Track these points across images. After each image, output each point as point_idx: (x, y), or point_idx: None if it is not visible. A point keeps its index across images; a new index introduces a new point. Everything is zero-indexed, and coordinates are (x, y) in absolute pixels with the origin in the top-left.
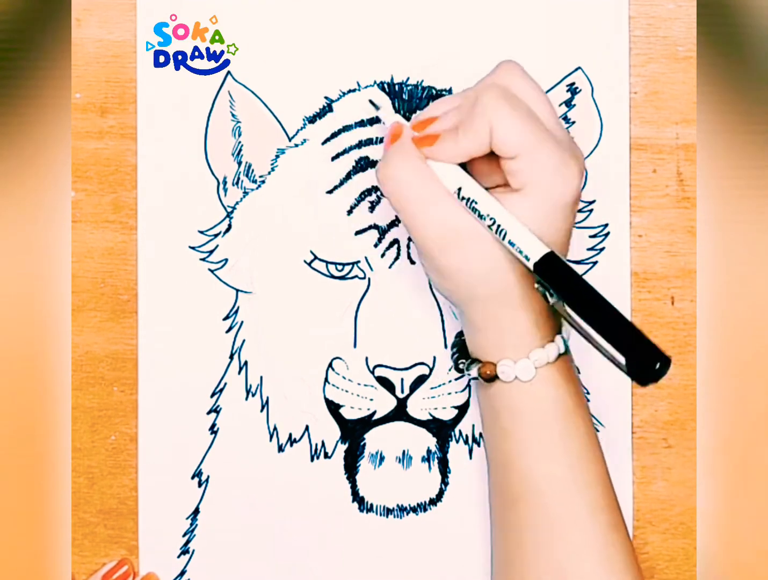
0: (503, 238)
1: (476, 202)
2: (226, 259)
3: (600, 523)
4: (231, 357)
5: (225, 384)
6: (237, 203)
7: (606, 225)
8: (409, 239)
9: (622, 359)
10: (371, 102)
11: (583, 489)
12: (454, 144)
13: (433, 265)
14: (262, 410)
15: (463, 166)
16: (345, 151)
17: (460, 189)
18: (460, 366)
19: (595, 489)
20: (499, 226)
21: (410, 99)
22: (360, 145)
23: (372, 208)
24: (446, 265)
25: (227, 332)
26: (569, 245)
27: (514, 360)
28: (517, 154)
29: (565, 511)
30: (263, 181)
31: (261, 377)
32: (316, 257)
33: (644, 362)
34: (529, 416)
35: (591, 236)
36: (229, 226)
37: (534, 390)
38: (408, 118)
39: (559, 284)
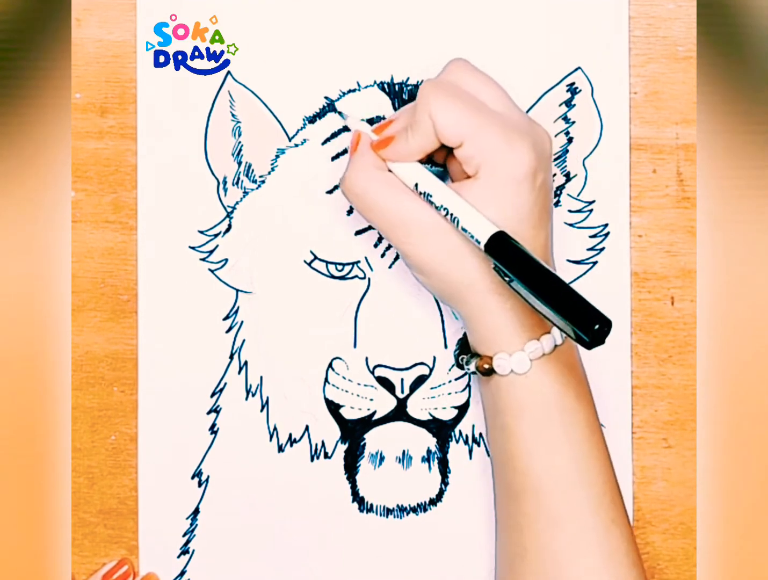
0: (457, 226)
1: (431, 195)
2: (226, 259)
3: (602, 518)
4: (231, 357)
5: (225, 384)
6: (237, 203)
7: (606, 225)
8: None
9: (570, 330)
10: (339, 112)
11: (585, 484)
12: (406, 142)
13: (409, 262)
14: (262, 410)
15: (446, 170)
16: (345, 151)
17: (417, 185)
18: (461, 361)
19: (596, 484)
20: (452, 214)
21: (410, 99)
22: None
23: None
24: (418, 260)
25: (227, 332)
26: (546, 225)
27: (509, 353)
28: (461, 140)
29: (566, 505)
30: (263, 181)
31: (261, 377)
32: (316, 257)
33: (586, 324)
34: (527, 410)
35: (591, 236)
36: (229, 226)
37: (531, 383)
38: None
39: (510, 263)
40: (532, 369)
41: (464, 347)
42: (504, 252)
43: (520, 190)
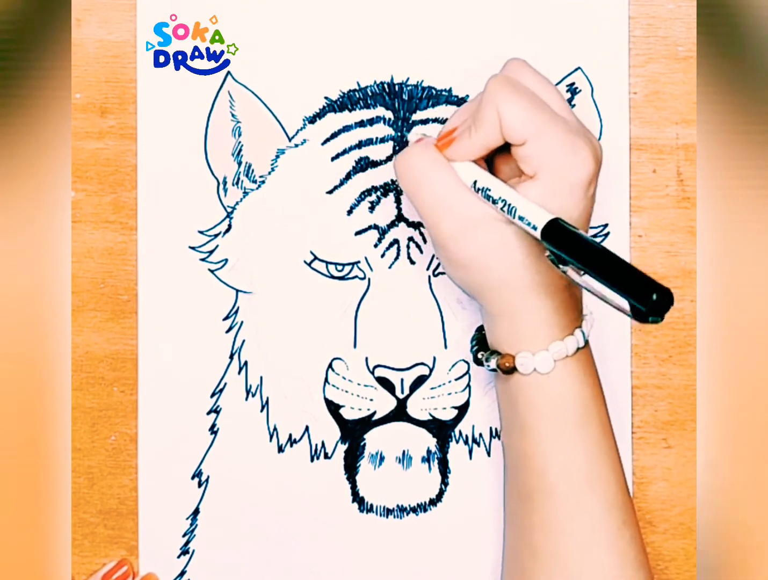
0: (513, 216)
1: (489, 190)
2: (226, 260)
3: (614, 519)
4: (231, 357)
5: (225, 384)
6: (237, 203)
7: (606, 225)
8: (409, 239)
9: (627, 306)
10: (406, 133)
11: (598, 485)
12: (469, 140)
13: (449, 254)
14: (262, 410)
15: (490, 171)
16: (345, 151)
17: (475, 182)
18: (480, 358)
19: (609, 485)
20: (509, 205)
21: (410, 99)
22: (360, 145)
23: (372, 209)
24: (461, 254)
25: (227, 332)
26: (587, 228)
27: (533, 352)
28: (526, 139)
29: (579, 507)
30: (263, 181)
31: (261, 377)
32: (316, 257)
33: (645, 295)
34: (547, 409)
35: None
36: (229, 227)
37: (552, 383)
38: (408, 119)
39: (566, 248)
40: (555, 370)
41: (481, 344)
42: (560, 237)
43: (574, 195)
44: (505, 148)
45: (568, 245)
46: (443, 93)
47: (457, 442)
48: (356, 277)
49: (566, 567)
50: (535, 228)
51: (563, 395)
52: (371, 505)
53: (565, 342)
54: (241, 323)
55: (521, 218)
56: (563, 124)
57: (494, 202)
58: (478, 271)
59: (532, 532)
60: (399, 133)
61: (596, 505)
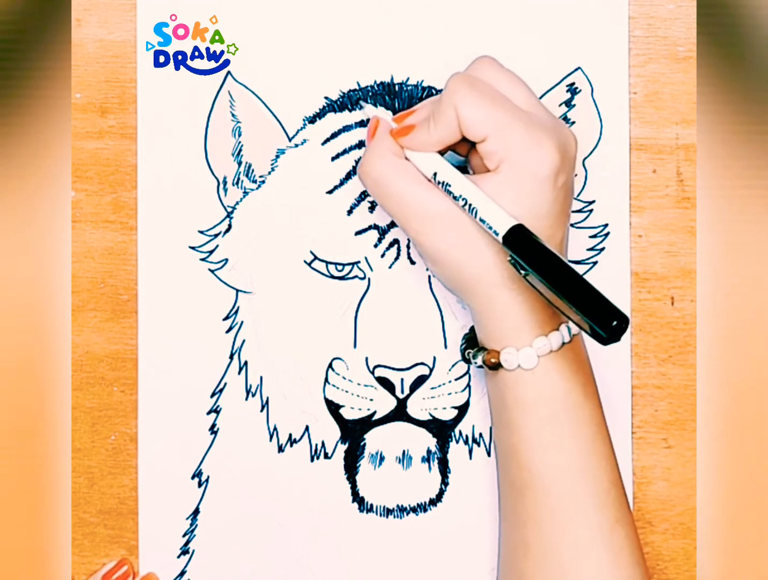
0: (475, 217)
1: (450, 185)
2: (226, 260)
3: (607, 515)
4: (231, 357)
5: (225, 384)
6: (237, 203)
7: (606, 225)
8: (409, 240)
9: (587, 325)
10: (358, 100)
11: (590, 481)
12: (427, 133)
13: (423, 251)
14: (262, 410)
15: (465, 159)
16: (345, 151)
17: (435, 174)
18: (467, 356)
19: (601, 481)
20: (470, 205)
21: (410, 99)
22: (360, 145)
23: (372, 209)
24: (432, 250)
25: (227, 332)
26: (563, 225)
27: (517, 348)
28: (486, 135)
29: (570, 502)
30: (263, 181)
31: (261, 377)
32: (316, 257)
33: (604, 320)
34: (533, 405)
35: (591, 236)
36: (229, 226)
37: (537, 379)
38: None
39: (527, 256)
40: (540, 365)
41: (470, 342)
42: (522, 245)
43: (541, 188)
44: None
45: (529, 254)
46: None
47: (457, 442)
48: (356, 277)
49: (560, 563)
50: (497, 233)
51: (549, 391)
52: (371, 505)
53: (550, 338)
54: (241, 323)
55: (482, 220)
56: (525, 120)
57: (455, 198)
58: (450, 267)
59: (524, 527)
60: None
61: (588, 501)
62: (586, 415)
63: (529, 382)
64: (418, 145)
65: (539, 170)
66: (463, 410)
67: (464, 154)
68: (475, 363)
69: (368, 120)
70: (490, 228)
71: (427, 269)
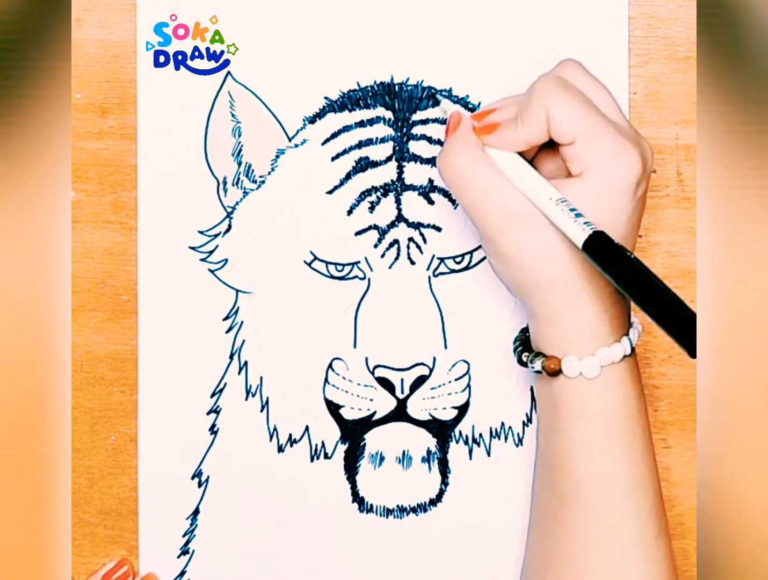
0: (555, 220)
1: (531, 186)
2: (226, 260)
3: (652, 528)
4: (231, 357)
5: (225, 384)
6: (237, 203)
7: None
8: (410, 240)
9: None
10: (434, 95)
11: (638, 492)
12: (514, 132)
13: (496, 250)
14: (262, 410)
15: (530, 162)
16: (345, 151)
17: (515, 174)
18: (524, 359)
19: (648, 494)
20: (551, 208)
21: (410, 99)
22: (360, 145)
23: (372, 209)
24: (506, 249)
25: (227, 332)
26: (636, 232)
27: (579, 357)
28: (574, 139)
29: (617, 514)
30: (263, 182)
31: (261, 377)
32: (316, 257)
33: (688, 336)
34: (590, 414)
35: None
36: (229, 227)
37: (597, 389)
38: (408, 119)
39: (608, 264)
40: (601, 375)
41: (525, 345)
42: (604, 253)
43: (622, 198)
44: (549, 145)
45: (610, 262)
46: (443, 93)
47: (457, 442)
48: (356, 277)
49: (600, 574)
50: (576, 239)
51: (607, 402)
52: (371, 505)
53: (612, 349)
54: (241, 323)
55: (562, 225)
56: (613, 127)
57: (535, 200)
58: (522, 270)
59: (566, 537)
60: (399, 133)
61: (636, 514)
62: (639, 428)
63: (588, 391)
64: (503, 144)
65: (623, 180)
66: (463, 410)
67: (530, 157)
68: (532, 368)
69: (368, 120)
70: (570, 233)
71: (427, 269)
